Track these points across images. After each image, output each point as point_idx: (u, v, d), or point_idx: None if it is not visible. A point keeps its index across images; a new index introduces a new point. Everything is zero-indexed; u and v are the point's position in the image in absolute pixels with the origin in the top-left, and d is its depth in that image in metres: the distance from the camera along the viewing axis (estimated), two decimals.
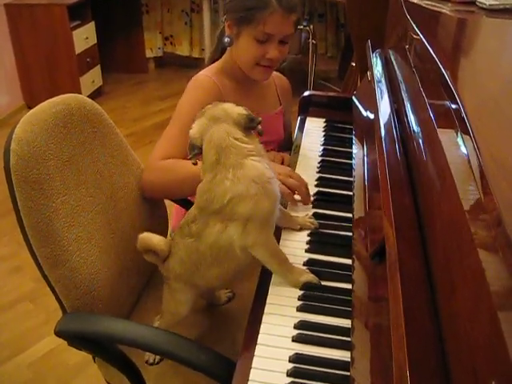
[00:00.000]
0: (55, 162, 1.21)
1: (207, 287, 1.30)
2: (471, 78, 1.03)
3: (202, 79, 1.62)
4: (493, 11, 1.33)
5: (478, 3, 1.39)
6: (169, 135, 1.53)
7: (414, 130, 1.09)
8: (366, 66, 1.80)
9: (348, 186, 1.47)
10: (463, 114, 0.79)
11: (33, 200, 1.13)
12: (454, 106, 0.86)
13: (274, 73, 1.79)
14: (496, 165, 0.68)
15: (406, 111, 1.22)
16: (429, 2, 1.49)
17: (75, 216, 1.23)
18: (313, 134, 1.84)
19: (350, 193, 1.43)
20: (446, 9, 1.42)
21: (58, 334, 1.15)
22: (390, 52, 1.77)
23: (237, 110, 1.12)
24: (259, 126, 1.14)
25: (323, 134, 1.84)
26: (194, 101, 1.55)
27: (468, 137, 0.74)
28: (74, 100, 1.32)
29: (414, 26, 1.31)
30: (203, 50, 5.52)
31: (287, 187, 1.38)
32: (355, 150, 1.60)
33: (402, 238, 0.79)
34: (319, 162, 1.63)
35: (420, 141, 1.04)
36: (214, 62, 1.72)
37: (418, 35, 1.24)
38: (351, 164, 1.57)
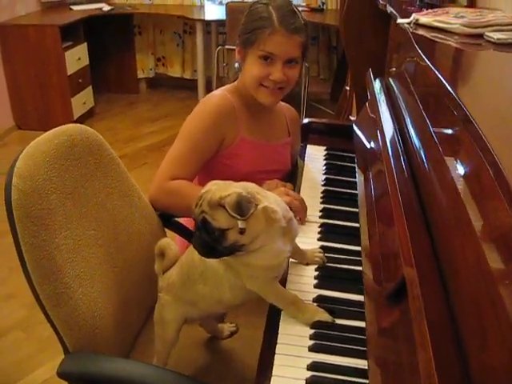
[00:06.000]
0: (57, 195, 1.17)
1: (194, 308, 1.25)
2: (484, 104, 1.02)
3: (218, 94, 1.61)
4: (501, 45, 1.33)
5: (485, 37, 1.39)
6: (179, 152, 1.53)
7: (422, 160, 1.08)
8: (361, 89, 1.79)
9: (353, 216, 1.45)
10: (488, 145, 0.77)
11: (35, 236, 1.09)
12: (473, 134, 0.85)
13: (284, 104, 1.78)
14: None
15: (412, 141, 1.21)
16: (435, 35, 1.49)
17: (77, 251, 1.20)
18: (314, 162, 1.83)
19: (357, 224, 1.40)
20: (452, 41, 1.42)
21: (61, 375, 1.10)
22: (391, 80, 1.77)
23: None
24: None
25: (324, 162, 1.82)
26: (207, 116, 1.55)
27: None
28: (77, 130, 1.29)
29: (423, 56, 1.30)
30: (195, 71, 5.50)
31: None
32: (359, 179, 1.58)
33: (424, 284, 0.77)
34: (322, 192, 1.60)
35: (431, 172, 1.02)
36: None
37: (428, 65, 1.24)
38: (355, 194, 1.55)
